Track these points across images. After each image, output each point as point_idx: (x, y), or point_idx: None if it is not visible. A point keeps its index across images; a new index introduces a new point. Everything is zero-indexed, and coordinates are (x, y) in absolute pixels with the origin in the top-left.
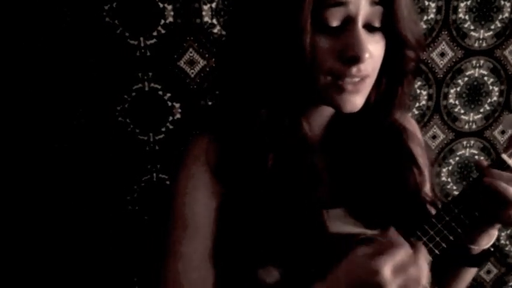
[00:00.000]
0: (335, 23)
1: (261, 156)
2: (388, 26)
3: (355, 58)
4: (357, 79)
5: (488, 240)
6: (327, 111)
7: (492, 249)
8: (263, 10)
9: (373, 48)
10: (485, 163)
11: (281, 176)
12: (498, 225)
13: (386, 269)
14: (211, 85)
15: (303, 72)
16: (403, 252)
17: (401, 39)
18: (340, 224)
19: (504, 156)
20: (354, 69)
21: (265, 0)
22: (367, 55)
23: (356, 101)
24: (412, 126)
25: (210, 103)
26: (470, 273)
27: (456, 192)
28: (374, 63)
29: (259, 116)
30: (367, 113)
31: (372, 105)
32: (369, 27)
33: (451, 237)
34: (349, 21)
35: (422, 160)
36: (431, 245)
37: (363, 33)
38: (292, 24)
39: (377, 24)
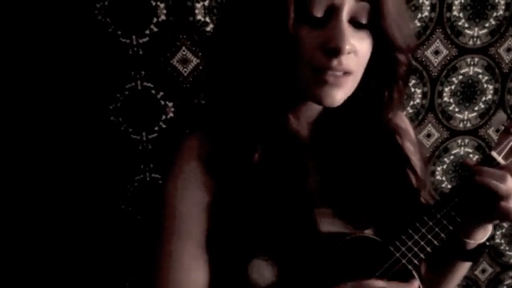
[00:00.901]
0: (319, 13)
1: (248, 151)
2: (375, 24)
3: (335, 49)
4: (338, 73)
5: (484, 234)
6: (316, 108)
7: (487, 243)
8: (248, 5)
9: (358, 45)
10: (473, 162)
11: (269, 170)
12: (495, 220)
13: None
14: (201, 82)
15: (287, 62)
16: None
17: (387, 38)
18: (328, 223)
19: (493, 153)
20: (335, 62)
21: (253, 5)
22: (347, 47)
23: (336, 95)
24: (405, 123)
25: (203, 102)
26: (464, 267)
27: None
28: (358, 60)
29: (246, 110)
30: (356, 113)
31: (361, 106)
32: (355, 23)
33: (442, 235)
34: (333, 12)
35: (415, 158)
36: (423, 243)
37: (346, 26)
38: (276, 12)
39: (363, 21)
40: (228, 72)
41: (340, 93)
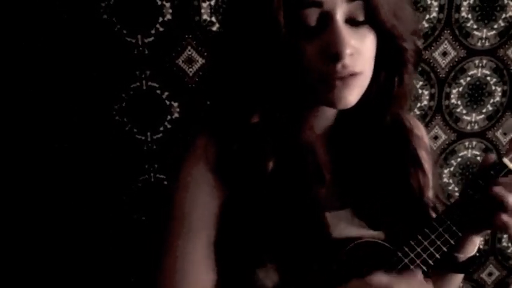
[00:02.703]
0: (313, 23)
1: (261, 161)
2: (371, 18)
3: (336, 55)
4: (346, 74)
5: (473, 247)
6: (330, 112)
7: (478, 255)
8: (243, 18)
9: (360, 44)
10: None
11: (281, 178)
12: (484, 232)
13: None
14: (205, 85)
15: (292, 73)
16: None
17: (386, 30)
18: (345, 225)
19: (506, 160)
20: (339, 66)
21: (244, 10)
22: (347, 51)
23: (349, 97)
24: (420, 131)
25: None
26: (458, 278)
27: (458, 194)
28: (364, 59)
29: (253, 122)
30: (369, 109)
31: (372, 101)
32: (353, 22)
33: (452, 241)
34: (327, 19)
35: (427, 165)
36: (432, 249)
37: (344, 29)
38: (267, 31)
39: (361, 18)
40: (233, 83)
41: (352, 94)
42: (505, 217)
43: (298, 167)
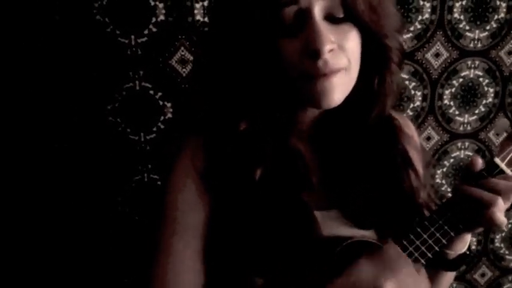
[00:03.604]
0: (292, 21)
1: (250, 169)
2: (350, 15)
3: (315, 52)
4: (328, 71)
5: (463, 245)
6: (315, 113)
7: (468, 252)
8: (224, 18)
9: (342, 40)
10: (480, 163)
11: (270, 184)
12: (476, 230)
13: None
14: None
15: (273, 74)
16: (405, 270)
17: (365, 25)
18: (335, 226)
19: (497, 160)
20: (320, 63)
21: (225, 9)
22: (327, 47)
23: (332, 96)
24: (410, 129)
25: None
26: (449, 276)
27: (450, 194)
28: (347, 56)
29: (240, 129)
30: (351, 109)
31: (355, 100)
32: (332, 19)
33: (444, 241)
34: (305, 16)
35: (418, 164)
36: (423, 248)
37: (322, 25)
38: (245, 29)
39: (340, 14)
40: (218, 88)
41: (336, 93)
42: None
43: (286, 172)
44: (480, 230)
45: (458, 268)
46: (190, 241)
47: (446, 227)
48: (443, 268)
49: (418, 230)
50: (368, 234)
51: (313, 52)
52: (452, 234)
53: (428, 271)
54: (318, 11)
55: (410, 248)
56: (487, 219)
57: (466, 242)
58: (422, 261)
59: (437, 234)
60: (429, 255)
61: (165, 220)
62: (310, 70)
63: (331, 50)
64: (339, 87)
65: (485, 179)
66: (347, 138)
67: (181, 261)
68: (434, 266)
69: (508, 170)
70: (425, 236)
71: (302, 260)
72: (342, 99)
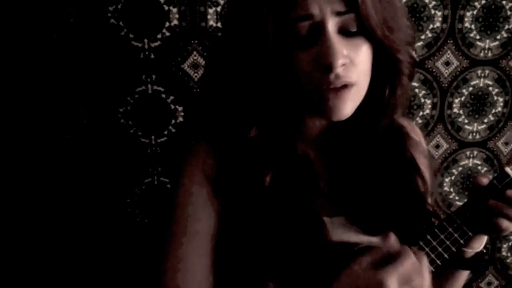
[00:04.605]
0: (306, 34)
1: (259, 176)
2: (363, 29)
3: (328, 66)
4: (339, 85)
5: (480, 243)
6: (324, 121)
7: (485, 251)
8: (237, 26)
9: (353, 54)
10: (486, 180)
11: (278, 191)
12: (493, 235)
13: (392, 281)
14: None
15: (285, 84)
16: (407, 263)
17: (378, 40)
18: (342, 232)
19: (508, 169)
20: (332, 76)
21: (238, 17)
22: (339, 61)
23: (343, 109)
24: (418, 135)
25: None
26: (463, 276)
27: (458, 203)
28: (358, 70)
29: (250, 135)
30: (362, 118)
31: (367, 110)
32: (346, 32)
33: (453, 249)
34: (319, 29)
35: (425, 170)
36: (433, 256)
37: (336, 39)
38: (257, 39)
39: (353, 28)
40: (228, 97)
41: (346, 106)
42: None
43: (295, 178)
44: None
45: (475, 267)
46: (200, 245)
47: (464, 228)
48: (461, 266)
49: (436, 230)
50: (375, 241)
51: (326, 66)
52: (470, 234)
53: (443, 270)
54: (331, 25)
55: (427, 249)
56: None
57: (482, 242)
58: (439, 262)
59: (456, 235)
60: (445, 255)
61: (174, 224)
62: (321, 82)
63: (343, 64)
64: (349, 102)
65: (499, 189)
66: (355, 145)
67: (190, 265)
68: (451, 265)
69: None
70: (442, 237)
71: (311, 265)
72: (352, 112)
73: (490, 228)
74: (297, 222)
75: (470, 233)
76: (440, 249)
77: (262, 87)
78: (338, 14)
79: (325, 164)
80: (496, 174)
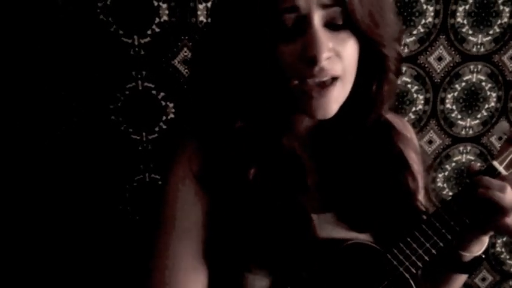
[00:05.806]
0: (292, 26)
1: (243, 169)
2: (349, 23)
3: (312, 59)
4: (324, 78)
5: (480, 247)
6: (309, 119)
7: (483, 256)
8: (224, 18)
9: (339, 47)
10: (478, 167)
11: (264, 185)
12: (491, 232)
13: None
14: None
15: (270, 77)
16: None
17: (364, 34)
18: (331, 228)
19: (495, 163)
20: (316, 69)
21: (225, 10)
22: (324, 54)
23: (327, 108)
24: (409, 132)
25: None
26: (461, 279)
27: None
28: (343, 63)
29: (235, 127)
30: (350, 114)
31: (354, 106)
32: (332, 26)
33: (441, 244)
34: (304, 22)
35: (417, 166)
36: (421, 251)
37: (321, 32)
38: (249, 35)
39: (340, 22)
40: (214, 90)
41: (332, 104)
42: (508, 220)
43: (280, 173)
44: (490, 233)
45: (473, 271)
46: (189, 242)
47: (443, 231)
48: (458, 270)
49: (416, 233)
50: (364, 237)
51: (311, 58)
52: (457, 229)
53: (440, 273)
54: (317, 18)
55: (407, 251)
56: (502, 225)
57: (483, 245)
58: (420, 264)
59: (443, 230)
60: (433, 251)
61: (164, 221)
62: (306, 74)
63: (328, 58)
64: (334, 98)
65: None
66: (343, 141)
67: (180, 261)
68: (448, 268)
69: (504, 172)
70: (422, 239)
71: (299, 260)
72: (336, 109)
73: (488, 225)
74: (283, 218)
75: (457, 228)
76: (428, 245)
77: (248, 80)
78: (324, 6)
79: (313, 160)
80: (483, 168)
